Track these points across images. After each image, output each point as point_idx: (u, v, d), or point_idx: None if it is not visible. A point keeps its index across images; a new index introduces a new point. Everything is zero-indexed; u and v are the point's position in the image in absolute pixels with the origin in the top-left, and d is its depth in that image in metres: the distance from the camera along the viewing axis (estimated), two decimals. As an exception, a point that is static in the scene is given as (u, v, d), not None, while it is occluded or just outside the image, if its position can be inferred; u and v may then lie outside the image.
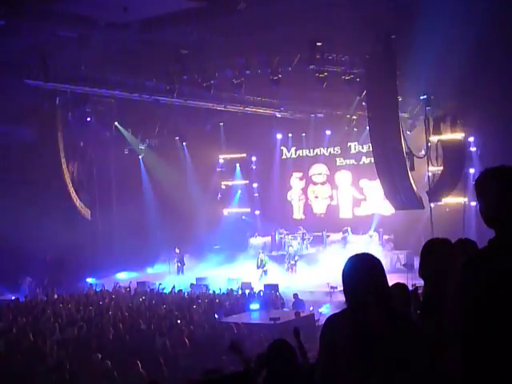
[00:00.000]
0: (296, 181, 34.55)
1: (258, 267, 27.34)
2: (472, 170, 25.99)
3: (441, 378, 3.03)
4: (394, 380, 3.17)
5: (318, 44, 21.15)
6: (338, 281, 21.21)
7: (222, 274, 26.97)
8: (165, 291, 23.19)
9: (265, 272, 27.17)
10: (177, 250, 30.47)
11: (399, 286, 5.49)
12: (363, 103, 23.89)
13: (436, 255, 4.14)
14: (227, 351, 12.68)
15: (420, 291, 5.79)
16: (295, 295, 20.74)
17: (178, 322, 16.34)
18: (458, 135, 24.69)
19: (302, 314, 17.75)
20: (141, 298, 21.82)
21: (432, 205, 24.18)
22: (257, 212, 34.86)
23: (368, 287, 3.34)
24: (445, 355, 2.94)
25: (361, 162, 31.80)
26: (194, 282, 25.82)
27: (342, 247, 28.22)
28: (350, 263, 3.49)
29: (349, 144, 32.19)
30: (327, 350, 3.41)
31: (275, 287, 22.93)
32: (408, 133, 25.02)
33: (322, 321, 6.03)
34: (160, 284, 25.33)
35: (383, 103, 20.30)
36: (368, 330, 3.24)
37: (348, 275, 3.47)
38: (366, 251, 3.64)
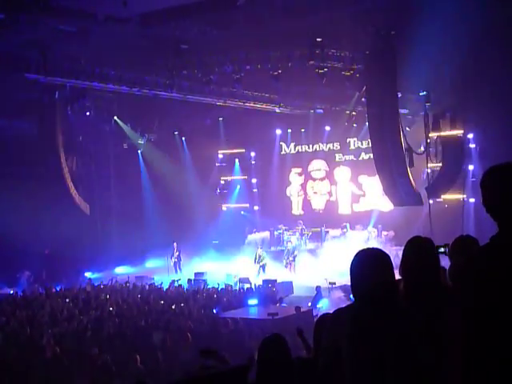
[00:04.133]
0: (295, 176, 34.54)
1: (256, 262, 27.35)
2: (471, 167, 25.97)
3: (440, 374, 3.03)
4: (394, 376, 3.16)
5: (318, 40, 21.16)
6: (336, 277, 21.33)
7: (221, 269, 26.98)
8: (163, 286, 23.19)
9: (262, 267, 27.17)
10: (174, 245, 30.48)
11: (400, 282, 5.47)
12: (363, 99, 23.92)
13: (417, 254, 4.13)
14: (226, 346, 12.70)
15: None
16: (317, 288, 20.66)
17: (176, 317, 16.35)
18: (458, 132, 24.68)
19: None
20: (139, 292, 21.83)
21: (431, 201, 24.20)
22: (256, 207, 34.87)
23: (376, 282, 3.33)
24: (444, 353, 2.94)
25: (360, 158, 31.78)
26: (193, 277, 25.82)
27: (340, 243, 28.18)
28: (358, 258, 3.46)
29: (348, 140, 32.17)
30: (330, 344, 3.40)
31: (273, 282, 22.93)
32: (407, 129, 24.99)
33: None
34: (155, 278, 25.37)
35: (383, 99, 20.30)
36: (371, 326, 3.24)
37: (356, 270, 3.44)
38: (365, 247, 3.62)
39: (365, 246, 3.63)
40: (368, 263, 3.41)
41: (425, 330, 3.25)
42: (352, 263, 3.47)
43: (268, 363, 4.95)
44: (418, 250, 4.11)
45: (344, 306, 3.55)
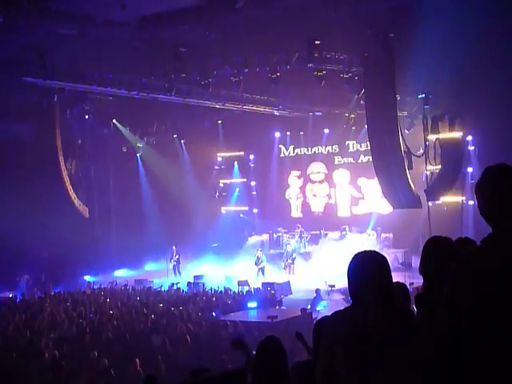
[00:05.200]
0: (294, 179, 34.55)
1: (256, 264, 27.35)
2: (470, 169, 25.98)
3: (439, 377, 3.03)
4: (393, 380, 3.16)
5: (317, 42, 21.14)
6: (335, 279, 21.34)
7: (220, 272, 26.97)
8: (163, 289, 23.19)
9: (261, 270, 27.15)
10: (174, 248, 30.45)
11: (398, 285, 5.46)
12: (361, 102, 23.88)
13: (438, 254, 4.12)
14: (226, 349, 12.68)
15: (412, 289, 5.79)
16: (317, 290, 20.67)
17: (176, 320, 16.34)
18: (456, 134, 24.67)
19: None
20: (138, 296, 21.82)
21: (430, 203, 24.17)
22: (255, 210, 34.85)
23: (373, 285, 3.32)
24: (442, 354, 2.94)
25: (359, 161, 31.80)
26: (192, 280, 25.82)
27: (339, 246, 28.17)
28: (355, 261, 3.45)
29: (347, 142, 32.18)
30: (328, 347, 3.40)
31: (273, 285, 22.92)
32: (406, 131, 25.02)
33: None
34: (154, 281, 25.35)
35: (381, 102, 20.30)
36: (369, 329, 3.24)
37: (353, 273, 3.43)
38: (363, 250, 3.61)
39: (364, 249, 3.62)
40: (365, 266, 3.41)
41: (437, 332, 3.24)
42: (349, 266, 3.46)
43: (265, 364, 4.96)
44: (441, 249, 4.09)
45: (342, 308, 3.55)
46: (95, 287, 24.57)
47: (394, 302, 3.38)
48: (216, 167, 35.88)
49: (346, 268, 3.47)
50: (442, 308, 2.96)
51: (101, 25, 20.50)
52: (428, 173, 24.99)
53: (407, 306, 5.00)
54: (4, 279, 25.47)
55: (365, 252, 3.51)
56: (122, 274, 30.24)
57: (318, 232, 30.72)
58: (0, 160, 27.79)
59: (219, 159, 35.86)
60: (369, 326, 3.24)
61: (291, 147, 34.37)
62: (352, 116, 28.98)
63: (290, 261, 27.94)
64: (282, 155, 34.69)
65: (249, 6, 18.80)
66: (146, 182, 34.37)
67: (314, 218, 33.03)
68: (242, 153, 35.24)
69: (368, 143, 23.71)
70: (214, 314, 17.93)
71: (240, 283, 23.41)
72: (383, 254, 3.56)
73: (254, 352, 5.36)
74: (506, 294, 2.71)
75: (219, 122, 33.30)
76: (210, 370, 6.08)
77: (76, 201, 28.92)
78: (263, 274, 27.00)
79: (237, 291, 22.56)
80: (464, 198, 25.72)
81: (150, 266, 31.77)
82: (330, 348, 3.36)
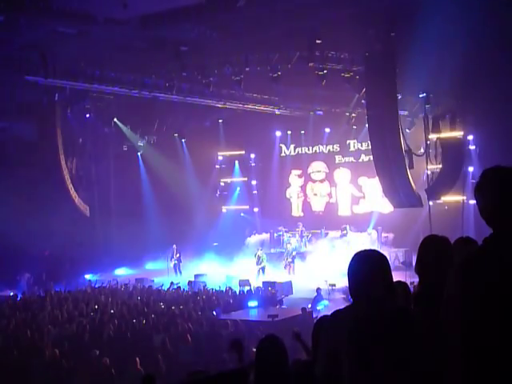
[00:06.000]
0: (295, 178, 34.56)
1: (256, 264, 27.37)
2: (471, 169, 25.98)
3: (440, 376, 3.02)
4: (394, 378, 3.16)
5: (318, 41, 21.13)
6: (336, 278, 21.33)
7: (221, 271, 26.98)
8: (163, 288, 23.19)
9: (262, 269, 27.16)
10: (174, 247, 30.45)
11: (399, 284, 5.46)
12: (362, 101, 23.90)
13: (433, 252, 4.12)
14: (227, 349, 12.69)
15: (413, 288, 5.78)
16: (318, 290, 20.68)
17: (176, 319, 16.33)
18: (457, 133, 24.68)
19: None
20: (139, 294, 21.81)
21: (431, 203, 24.17)
22: (255, 209, 34.88)
23: (373, 284, 3.32)
24: (442, 353, 2.93)
25: (360, 160, 31.82)
26: (193, 279, 25.83)
27: (340, 245, 28.18)
28: (356, 259, 3.46)
29: (348, 142, 32.20)
30: (329, 346, 3.40)
31: (274, 284, 22.92)
32: (407, 131, 25.02)
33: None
34: (155, 280, 25.33)
35: (382, 101, 20.28)
36: (370, 327, 3.24)
37: (354, 272, 3.44)
38: (363, 249, 3.61)
39: (364, 248, 3.62)
40: (365, 265, 3.41)
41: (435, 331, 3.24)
42: (349, 265, 3.46)
43: (265, 364, 4.96)
44: (437, 248, 4.09)
45: (343, 307, 3.55)
46: (96, 286, 24.56)
47: (395, 301, 3.39)
48: (217, 166, 35.90)
49: (347, 267, 3.47)
50: (444, 308, 2.96)
51: (102, 23, 20.47)
52: (429, 172, 25.00)
53: (408, 305, 4.99)
54: (5, 277, 25.46)
55: (365, 251, 3.51)
56: (122, 272, 30.25)
57: (319, 231, 30.73)
58: (1, 159, 27.81)
59: (220, 158, 35.88)
60: (370, 325, 3.25)
61: (292, 146, 34.39)
62: (353, 115, 28.97)
63: (289, 259, 27.92)
64: (282, 154, 34.70)
65: (250, 4, 18.75)
66: (147, 181, 34.37)
67: (315, 217, 33.04)
68: (242, 152, 35.27)
69: (369, 142, 23.68)
70: (214, 312, 17.92)
71: (241, 283, 23.42)
72: (384, 253, 3.56)
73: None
74: (506, 293, 2.71)
75: (220, 120, 33.30)
76: (207, 372, 6.08)
77: (77, 199, 28.93)
78: (263, 273, 27.02)
79: (238, 290, 22.56)
80: (465, 198, 25.72)
81: (150, 265, 31.78)
82: (330, 347, 3.36)
